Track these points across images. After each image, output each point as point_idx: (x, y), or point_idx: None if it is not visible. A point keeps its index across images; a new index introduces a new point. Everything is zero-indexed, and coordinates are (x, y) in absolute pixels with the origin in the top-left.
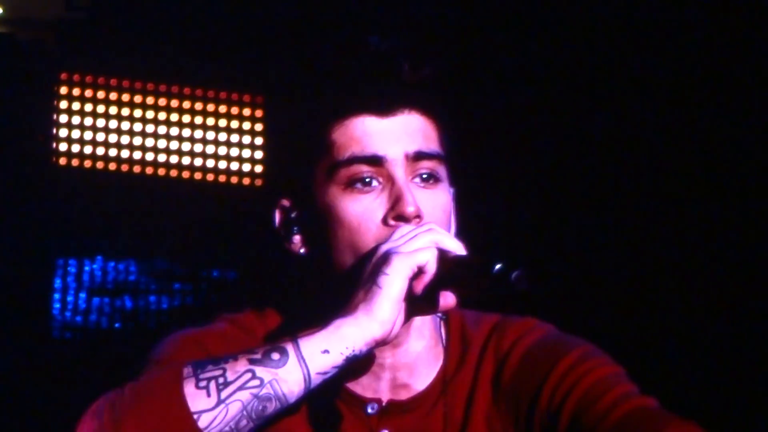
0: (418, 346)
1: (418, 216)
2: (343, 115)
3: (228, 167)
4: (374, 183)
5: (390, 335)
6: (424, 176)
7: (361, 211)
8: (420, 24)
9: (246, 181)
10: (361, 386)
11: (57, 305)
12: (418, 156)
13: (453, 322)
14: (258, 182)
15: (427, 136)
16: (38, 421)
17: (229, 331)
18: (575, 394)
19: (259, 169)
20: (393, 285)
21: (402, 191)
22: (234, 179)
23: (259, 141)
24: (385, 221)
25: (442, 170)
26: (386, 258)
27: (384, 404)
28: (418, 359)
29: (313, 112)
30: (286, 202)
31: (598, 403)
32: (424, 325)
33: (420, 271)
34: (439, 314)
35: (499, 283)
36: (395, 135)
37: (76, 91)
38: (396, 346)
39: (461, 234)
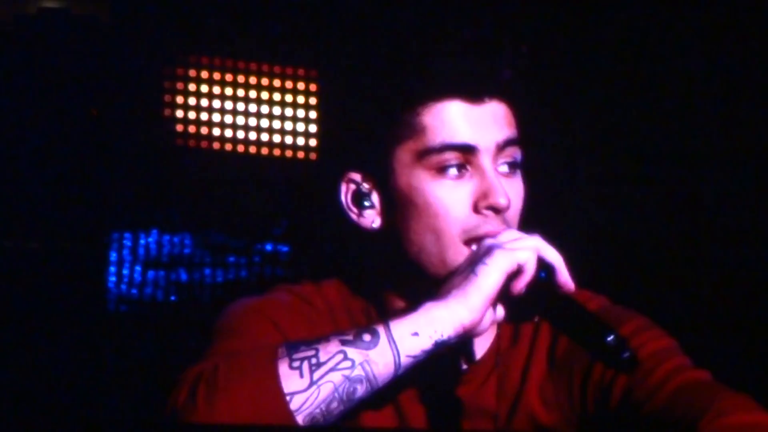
0: None
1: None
2: (435, 98)
3: (282, 141)
4: (465, 171)
5: (479, 327)
6: (510, 164)
7: (452, 198)
8: (505, 14)
9: (300, 155)
10: None
11: (112, 279)
12: (507, 143)
13: None
14: (312, 156)
15: (511, 123)
16: (95, 394)
17: (291, 301)
18: None
19: (313, 143)
20: (490, 275)
21: (494, 183)
22: (288, 153)
23: (313, 115)
24: (475, 209)
25: (520, 156)
26: (488, 250)
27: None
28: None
29: (401, 92)
30: (356, 176)
31: (651, 377)
32: None
33: (519, 271)
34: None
35: (605, 353)
36: (486, 124)
37: None
38: None
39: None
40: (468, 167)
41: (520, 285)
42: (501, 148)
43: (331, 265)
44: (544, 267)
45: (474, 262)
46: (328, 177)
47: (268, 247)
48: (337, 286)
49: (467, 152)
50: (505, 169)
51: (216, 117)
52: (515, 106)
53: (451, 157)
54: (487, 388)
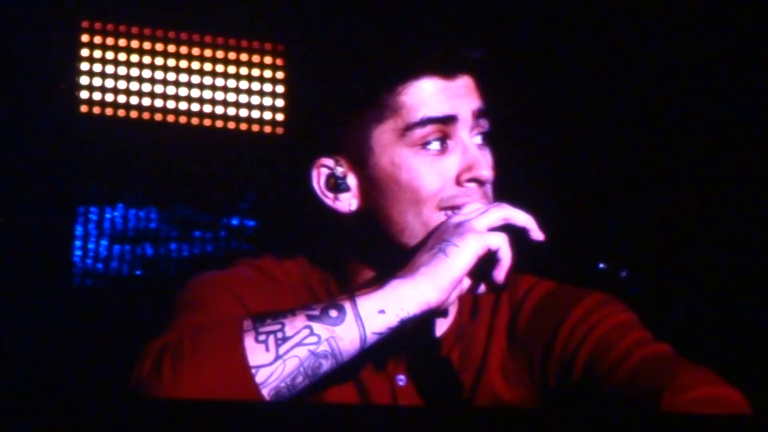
0: None
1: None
2: (412, 77)
3: (249, 115)
4: (446, 145)
5: (444, 305)
6: (483, 135)
7: (436, 171)
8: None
9: (267, 129)
10: None
11: (78, 253)
12: (481, 113)
13: None
14: (279, 131)
15: (480, 95)
16: (59, 368)
17: (253, 275)
18: (589, 341)
19: (280, 117)
20: (460, 257)
21: (477, 154)
22: (255, 127)
23: (280, 89)
24: (458, 181)
25: (489, 129)
26: (459, 230)
27: (401, 349)
28: None
29: (378, 74)
30: (328, 161)
31: (613, 351)
32: None
33: (493, 256)
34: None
35: (604, 281)
36: (462, 94)
37: (98, 39)
38: None
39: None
40: (448, 141)
41: (501, 274)
42: (477, 116)
43: (297, 240)
44: (517, 232)
45: (443, 241)
46: (297, 163)
47: (235, 222)
48: (299, 260)
49: (447, 123)
50: (479, 140)
51: (183, 91)
52: (482, 82)
53: (433, 130)
54: (451, 360)
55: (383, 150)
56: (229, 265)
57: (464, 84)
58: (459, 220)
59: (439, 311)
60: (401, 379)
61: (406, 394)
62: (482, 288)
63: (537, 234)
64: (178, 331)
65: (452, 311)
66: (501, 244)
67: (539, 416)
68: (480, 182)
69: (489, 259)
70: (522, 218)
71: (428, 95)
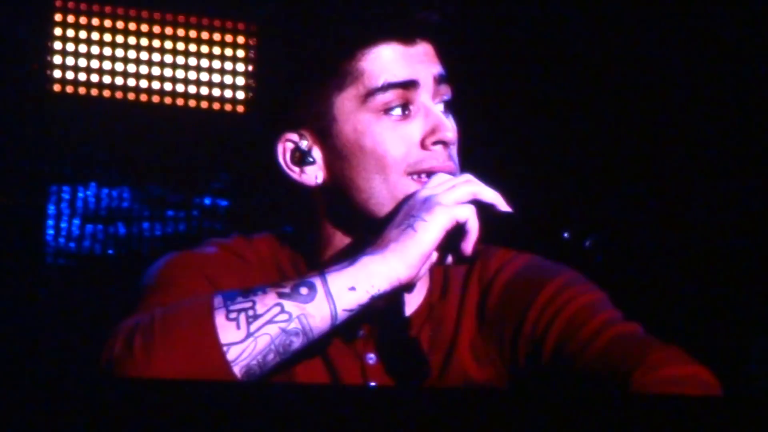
0: None
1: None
2: (371, 43)
3: (222, 95)
4: (409, 108)
5: (414, 280)
6: (445, 102)
7: (399, 136)
8: None
9: (240, 108)
10: None
11: (51, 232)
12: (442, 78)
13: None
14: (252, 110)
15: (441, 61)
16: (32, 346)
17: (222, 255)
18: (559, 321)
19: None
20: (428, 232)
21: (440, 117)
22: (228, 107)
23: (251, 68)
24: (423, 145)
25: (450, 96)
26: (427, 204)
27: (370, 328)
28: None
29: (338, 41)
30: (292, 135)
31: (582, 330)
32: None
33: (461, 228)
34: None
35: (568, 250)
36: (422, 60)
37: (71, 18)
38: None
39: None
40: (411, 106)
41: (469, 246)
42: (438, 82)
43: (268, 219)
44: (483, 206)
45: (412, 216)
46: (261, 139)
47: (207, 201)
48: (268, 240)
49: (409, 88)
50: (441, 107)
51: (156, 70)
52: (442, 49)
53: (395, 96)
54: (420, 340)
55: (346, 118)
56: (198, 246)
57: (424, 50)
58: (426, 195)
59: (408, 286)
60: (371, 358)
61: (375, 372)
62: (450, 260)
63: (504, 208)
64: (148, 311)
65: (422, 290)
66: (469, 216)
67: (509, 396)
68: (445, 144)
69: (457, 231)
70: (489, 194)
71: (388, 61)
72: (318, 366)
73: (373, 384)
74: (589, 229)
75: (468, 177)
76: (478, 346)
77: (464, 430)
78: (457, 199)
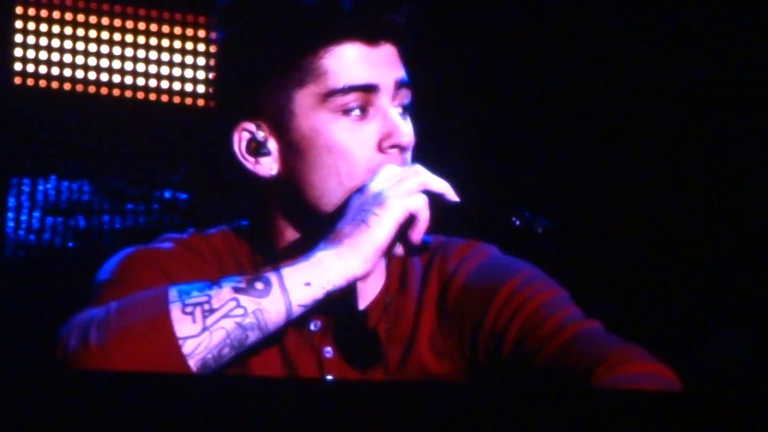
0: None
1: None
2: (335, 41)
3: (182, 88)
4: (367, 111)
5: (369, 274)
6: (404, 106)
7: (356, 138)
8: None
9: (200, 102)
10: None
11: (11, 224)
12: (402, 84)
13: None
14: (212, 104)
15: (404, 66)
16: None
17: (178, 251)
18: (519, 317)
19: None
20: (382, 227)
21: (398, 120)
22: (188, 100)
23: (213, 63)
24: (380, 148)
25: (410, 101)
26: (378, 198)
27: (327, 321)
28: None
29: (302, 36)
30: (249, 125)
31: (543, 327)
32: None
33: (412, 218)
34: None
35: (520, 237)
36: (384, 64)
37: (32, 11)
38: None
39: None
40: (369, 109)
41: (419, 235)
42: (398, 86)
43: (230, 212)
44: (433, 196)
45: (365, 211)
46: (220, 126)
47: (167, 195)
48: (224, 234)
49: (369, 92)
50: (399, 111)
51: (116, 64)
52: (405, 54)
53: (355, 98)
54: (375, 335)
55: (304, 114)
56: (153, 241)
57: (387, 53)
58: (377, 188)
59: (363, 279)
60: (328, 351)
61: (333, 366)
62: (401, 251)
63: (453, 197)
64: (104, 304)
65: (378, 283)
66: (420, 206)
67: (468, 390)
68: (401, 148)
69: (410, 222)
70: (438, 183)
71: (351, 62)
72: (275, 359)
73: (329, 377)
74: (539, 215)
75: (417, 168)
76: (438, 340)
77: (421, 423)
78: (408, 190)
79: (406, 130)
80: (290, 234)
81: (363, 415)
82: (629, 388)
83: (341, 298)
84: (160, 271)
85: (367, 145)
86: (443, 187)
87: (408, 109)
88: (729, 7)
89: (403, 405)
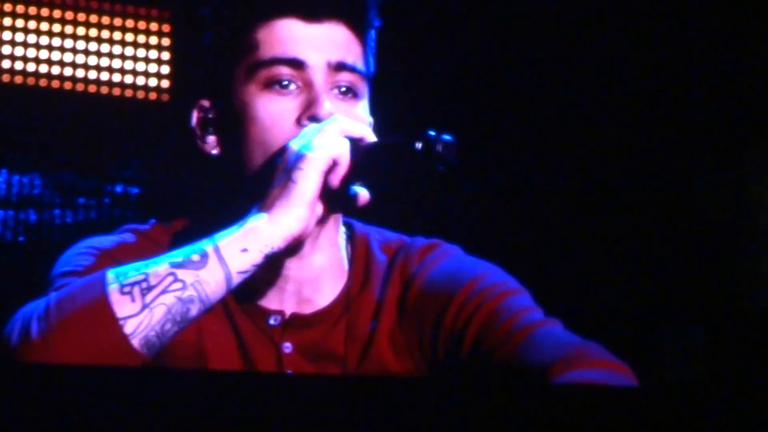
0: (322, 260)
1: None
2: (270, 16)
3: (134, 82)
4: (292, 86)
5: (306, 232)
6: (343, 89)
7: (277, 111)
8: None
9: (152, 96)
10: (265, 298)
11: None
12: (340, 66)
13: (358, 240)
14: (165, 98)
15: (351, 49)
16: None
17: (136, 242)
18: (479, 316)
19: (165, 84)
20: (308, 179)
21: (318, 95)
22: (140, 94)
23: (166, 56)
24: (298, 122)
25: (362, 88)
26: (299, 153)
27: (287, 317)
28: (323, 274)
29: (239, 11)
30: (205, 102)
31: (501, 326)
32: (330, 240)
33: (334, 164)
34: (347, 233)
35: (424, 159)
36: (319, 42)
37: None
38: (300, 258)
39: None
40: (298, 83)
41: (337, 179)
42: (334, 68)
43: (181, 206)
44: (353, 141)
45: (289, 169)
46: (186, 104)
47: (119, 189)
48: (184, 224)
49: (296, 67)
50: (337, 92)
51: (68, 57)
52: (363, 38)
53: (281, 72)
54: (335, 332)
55: (237, 88)
56: (113, 232)
57: (329, 31)
58: (298, 144)
59: (304, 237)
60: (287, 347)
61: (292, 361)
62: (335, 208)
63: (372, 139)
64: (45, 296)
65: (341, 281)
66: (342, 150)
67: (427, 384)
68: (318, 122)
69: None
70: (357, 128)
71: (282, 37)
72: (233, 354)
73: (289, 372)
74: (439, 135)
75: (334, 116)
76: (398, 338)
77: (380, 418)
78: (327, 138)
79: (324, 104)
80: (231, 212)
81: (322, 410)
82: (585, 385)
83: (303, 294)
84: (113, 262)
85: (286, 118)
86: (362, 130)
87: (355, 96)
88: (665, 12)
89: (361, 399)
